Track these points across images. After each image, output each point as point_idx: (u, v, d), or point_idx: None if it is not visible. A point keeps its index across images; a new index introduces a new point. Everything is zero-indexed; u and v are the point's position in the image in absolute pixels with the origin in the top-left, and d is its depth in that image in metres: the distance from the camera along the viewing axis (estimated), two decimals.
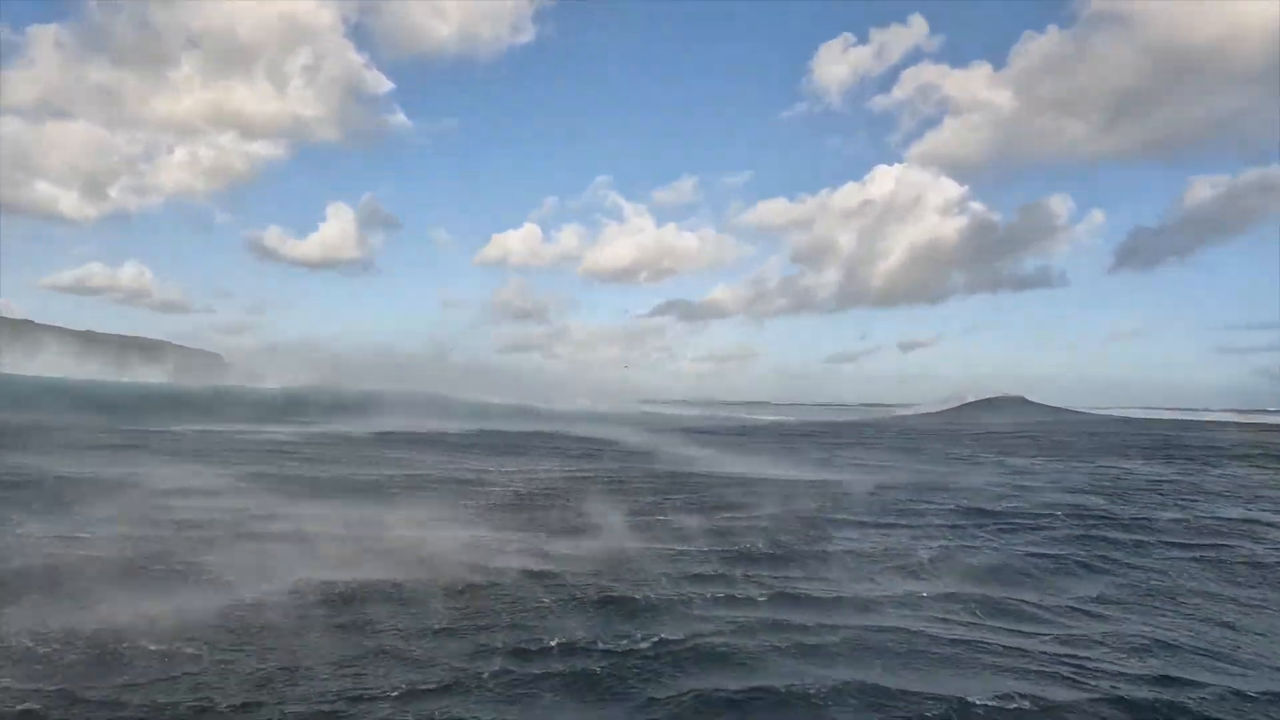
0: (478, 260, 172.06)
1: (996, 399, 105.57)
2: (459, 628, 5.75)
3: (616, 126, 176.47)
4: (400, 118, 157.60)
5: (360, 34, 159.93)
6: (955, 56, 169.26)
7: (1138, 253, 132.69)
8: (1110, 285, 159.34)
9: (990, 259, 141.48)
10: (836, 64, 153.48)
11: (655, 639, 5.53)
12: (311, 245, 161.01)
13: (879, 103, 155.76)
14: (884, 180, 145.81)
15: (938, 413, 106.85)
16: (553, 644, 5.38)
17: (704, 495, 12.91)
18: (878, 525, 10.60)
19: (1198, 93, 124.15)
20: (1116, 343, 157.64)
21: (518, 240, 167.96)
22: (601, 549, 8.62)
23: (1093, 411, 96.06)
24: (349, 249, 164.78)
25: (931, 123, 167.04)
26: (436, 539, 8.73)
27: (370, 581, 6.77)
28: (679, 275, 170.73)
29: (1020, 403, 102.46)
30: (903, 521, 10.93)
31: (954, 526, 10.67)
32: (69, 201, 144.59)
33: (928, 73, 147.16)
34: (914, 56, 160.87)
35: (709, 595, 6.85)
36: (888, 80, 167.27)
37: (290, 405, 38.00)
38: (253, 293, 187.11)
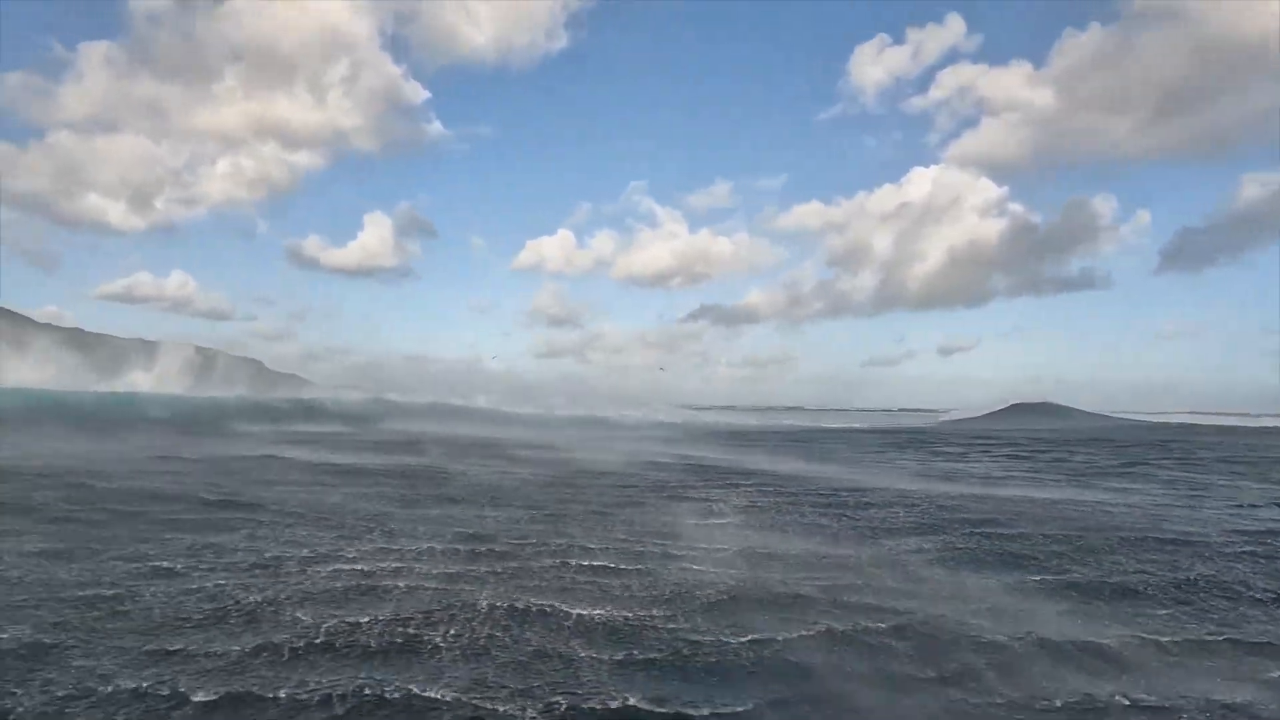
0: (513, 266, 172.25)
1: (1038, 404, 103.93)
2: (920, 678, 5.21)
3: (650, 131, 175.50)
4: (437, 126, 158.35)
5: (397, 44, 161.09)
6: (994, 56, 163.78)
7: (1185, 253, 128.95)
8: (1157, 287, 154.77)
9: (1032, 261, 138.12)
10: (872, 65, 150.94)
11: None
12: (350, 253, 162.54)
13: (915, 103, 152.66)
14: (921, 182, 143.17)
15: (982, 417, 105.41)
16: (1062, 701, 4.83)
17: (946, 516, 12.28)
18: (1177, 546, 9.87)
19: (1247, 88, 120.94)
20: (1163, 346, 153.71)
21: (552, 246, 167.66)
22: (959, 585, 8.06)
23: (1143, 417, 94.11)
24: (386, 257, 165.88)
25: (969, 123, 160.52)
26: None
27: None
28: (713, 280, 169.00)
29: (1059, 409, 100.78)
30: (1192, 540, 10.21)
31: (1261, 546, 9.97)
32: (118, 213, 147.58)
33: (965, 73, 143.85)
34: (951, 56, 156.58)
35: (1151, 638, 6.21)
36: (924, 81, 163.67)
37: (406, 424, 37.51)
38: (293, 300, 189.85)
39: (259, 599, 6.35)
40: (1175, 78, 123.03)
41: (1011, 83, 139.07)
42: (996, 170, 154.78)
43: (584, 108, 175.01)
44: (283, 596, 6.45)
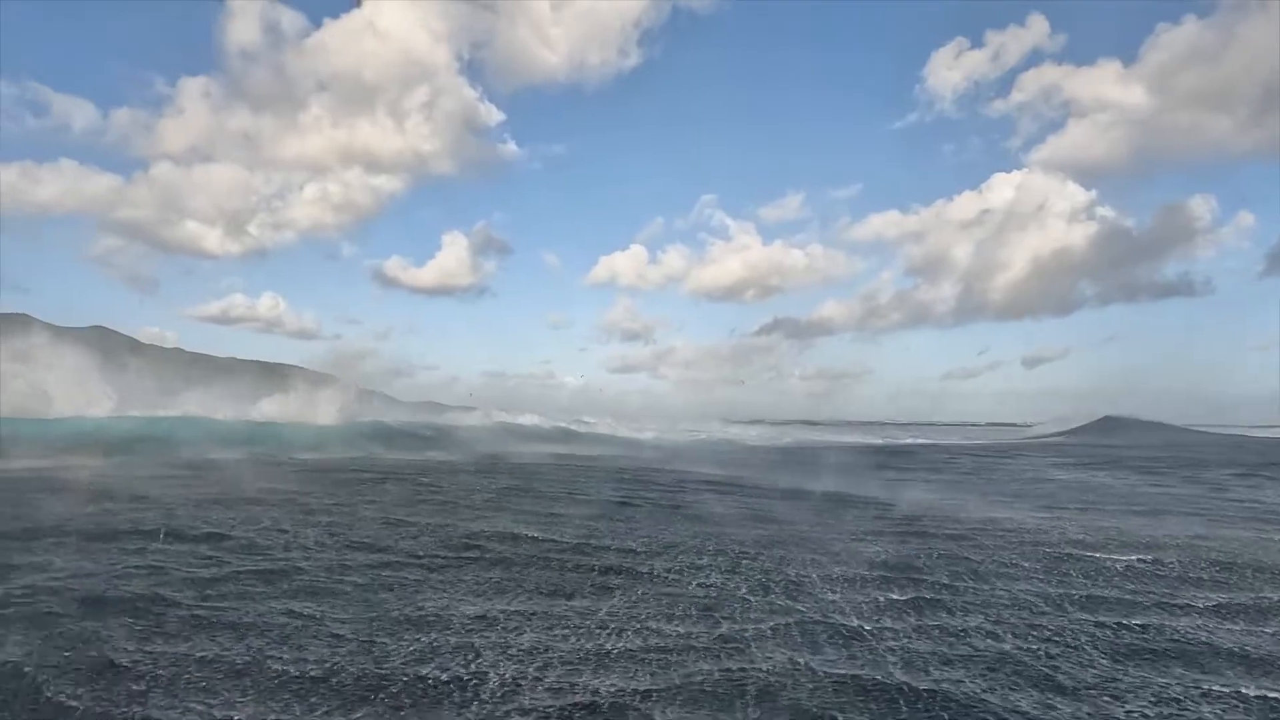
0: (586, 282, 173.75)
1: (1129, 419, 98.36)
2: None
3: (722, 145, 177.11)
4: (511, 147, 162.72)
5: (473, 69, 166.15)
6: (1080, 55, 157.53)
7: None
8: (1263, 291, 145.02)
9: (1124, 267, 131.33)
10: (949, 70, 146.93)
11: None
12: (429, 272, 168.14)
13: (996, 107, 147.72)
14: (1003, 188, 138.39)
15: (1073, 432, 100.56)
16: None
17: None
18: None
19: None
20: (1271, 354, 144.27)
21: (624, 261, 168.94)
22: None
23: (1262, 433, 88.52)
24: (464, 275, 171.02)
25: (1054, 126, 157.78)
26: None
27: None
28: (786, 292, 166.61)
29: (1149, 424, 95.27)
30: None
31: None
32: (214, 238, 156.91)
33: (1049, 74, 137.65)
34: (1034, 58, 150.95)
35: None
36: (1005, 84, 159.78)
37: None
38: (376, 319, 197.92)
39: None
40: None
41: (1100, 82, 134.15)
42: (1084, 174, 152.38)
43: (655, 123, 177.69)
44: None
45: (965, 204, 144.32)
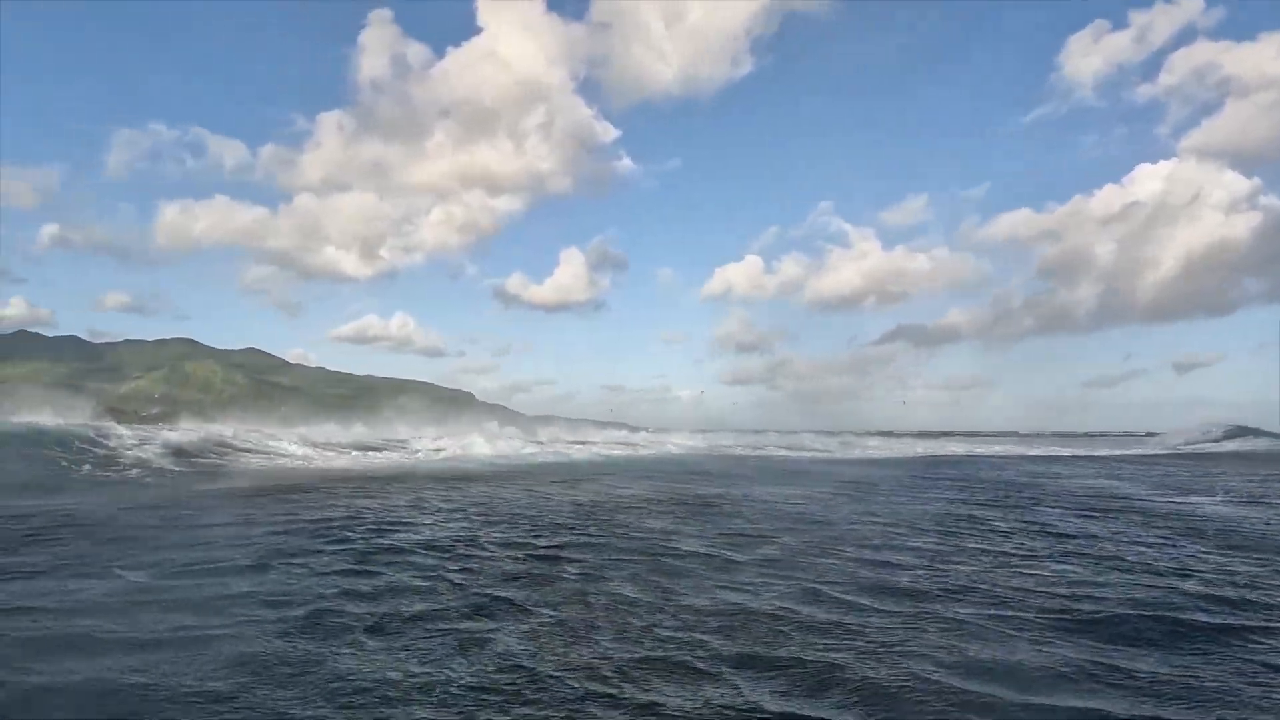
0: (702, 294, 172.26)
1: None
2: None
3: (838, 149, 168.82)
4: (626, 162, 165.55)
5: (588, 88, 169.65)
6: (1239, 30, 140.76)
7: None
8: None
9: None
10: (1089, 56, 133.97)
11: None
12: (548, 289, 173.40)
13: (1142, 93, 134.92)
14: (1150, 180, 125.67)
15: (1212, 441, 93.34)
16: None
17: None
18: None
19: None
20: None
21: (739, 272, 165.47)
22: None
23: None
24: (581, 291, 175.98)
25: (1210, 109, 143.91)
26: None
27: None
28: (909, 299, 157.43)
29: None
30: None
31: None
32: (350, 262, 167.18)
33: (1203, 51, 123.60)
34: (1185, 36, 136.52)
35: None
36: (1152, 66, 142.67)
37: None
38: (498, 335, 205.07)
39: None
40: None
41: (1263, 58, 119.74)
42: (1245, 160, 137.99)
43: (769, 131, 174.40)
44: None
45: (1107, 199, 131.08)
